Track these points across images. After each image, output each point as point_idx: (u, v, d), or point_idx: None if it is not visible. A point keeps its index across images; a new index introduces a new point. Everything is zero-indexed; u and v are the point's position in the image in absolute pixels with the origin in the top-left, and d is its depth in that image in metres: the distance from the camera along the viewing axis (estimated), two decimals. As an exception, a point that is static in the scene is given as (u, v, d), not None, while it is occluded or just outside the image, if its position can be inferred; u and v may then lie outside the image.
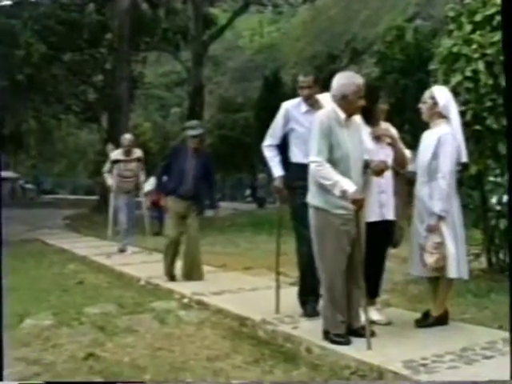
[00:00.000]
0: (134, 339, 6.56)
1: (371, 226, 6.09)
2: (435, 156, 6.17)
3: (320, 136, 5.76)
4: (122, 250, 13.69)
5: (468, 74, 8.32)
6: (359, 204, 5.67)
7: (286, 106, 7.10)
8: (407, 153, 6.55)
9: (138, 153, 13.62)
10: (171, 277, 9.78)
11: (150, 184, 14.45)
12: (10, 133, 37.67)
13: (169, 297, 8.68)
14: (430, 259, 6.11)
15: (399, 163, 6.43)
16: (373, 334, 5.78)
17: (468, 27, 8.55)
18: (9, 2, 28.89)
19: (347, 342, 5.75)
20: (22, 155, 60.51)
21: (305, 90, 6.91)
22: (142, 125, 57.02)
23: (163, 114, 67.02)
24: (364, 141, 6.06)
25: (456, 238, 6.20)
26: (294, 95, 7.29)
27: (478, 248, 8.95)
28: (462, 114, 7.46)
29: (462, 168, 6.62)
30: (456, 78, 8.43)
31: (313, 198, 5.91)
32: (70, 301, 8.67)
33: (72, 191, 69.93)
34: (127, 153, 13.48)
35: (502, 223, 8.49)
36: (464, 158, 6.33)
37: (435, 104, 6.36)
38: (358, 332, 5.90)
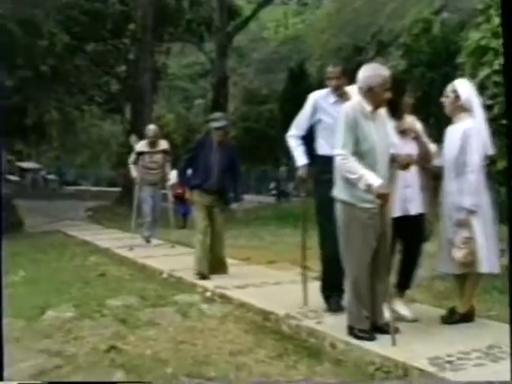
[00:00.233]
0: (156, 332, 6.59)
1: (395, 220, 6.08)
2: (462, 151, 6.12)
3: (345, 129, 5.75)
4: (147, 241, 13.74)
5: (496, 67, 8.25)
6: (384, 198, 5.65)
7: (315, 96, 7.10)
8: (432, 147, 6.52)
9: (163, 144, 13.60)
10: (203, 275, 9.33)
11: (173, 177, 14.35)
12: (33, 123, 37.81)
13: (191, 290, 8.69)
14: (459, 254, 6.07)
15: (424, 158, 6.41)
16: (397, 330, 5.75)
17: (497, 20, 8.47)
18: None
19: (372, 338, 5.74)
20: (44, 146, 60.85)
21: (333, 81, 6.92)
22: (165, 116, 56.98)
23: (187, 105, 66.94)
24: (390, 134, 6.04)
25: (486, 232, 6.15)
26: (319, 87, 7.29)
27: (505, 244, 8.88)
28: (490, 108, 7.41)
29: (490, 162, 6.57)
30: (484, 72, 8.37)
31: (339, 191, 5.90)
32: (91, 293, 8.71)
33: (95, 183, 70.23)
34: (152, 144, 13.44)
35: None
36: (490, 151, 6.29)
37: (457, 98, 6.32)
38: (382, 329, 5.89)
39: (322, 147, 6.94)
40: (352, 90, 6.53)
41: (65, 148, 66.00)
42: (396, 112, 6.28)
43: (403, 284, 6.57)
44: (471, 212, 6.07)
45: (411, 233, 6.39)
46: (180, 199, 14.90)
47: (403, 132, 6.35)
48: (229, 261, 9.96)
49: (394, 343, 5.54)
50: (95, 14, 30.62)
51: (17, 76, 24.65)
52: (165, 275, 9.94)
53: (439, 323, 6.32)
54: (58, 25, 26.35)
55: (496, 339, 5.64)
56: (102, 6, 31.86)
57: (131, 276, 10.17)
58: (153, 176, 13.52)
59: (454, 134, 6.28)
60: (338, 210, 5.93)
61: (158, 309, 7.62)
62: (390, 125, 6.12)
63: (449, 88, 6.43)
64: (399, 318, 6.21)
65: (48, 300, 8.06)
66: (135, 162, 13.66)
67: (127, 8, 32.95)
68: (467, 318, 6.31)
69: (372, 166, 5.68)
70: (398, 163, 5.95)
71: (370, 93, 5.78)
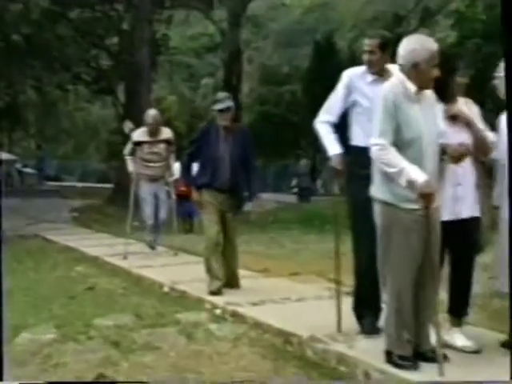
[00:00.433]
0: (155, 358, 6.61)
1: (443, 225, 5.99)
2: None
3: (384, 114, 5.72)
4: (151, 247, 13.79)
5: None
6: (429, 199, 5.56)
7: (349, 74, 7.08)
8: (490, 136, 6.42)
9: (166, 133, 13.59)
10: (216, 291, 9.25)
11: (176, 171, 14.24)
12: (5, 105, 37.79)
13: (198, 307, 8.73)
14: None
15: (480, 149, 6.34)
16: (445, 357, 5.74)
17: None
18: None
19: (414, 366, 5.72)
20: (19, 133, 60.86)
21: (366, 55, 6.89)
22: (166, 98, 57.11)
23: (192, 85, 66.96)
24: (438, 120, 6.00)
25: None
26: (351, 64, 7.26)
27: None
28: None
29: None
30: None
31: (377, 190, 5.88)
32: (76, 310, 8.76)
33: (81, 178, 70.26)
34: (152, 133, 13.39)
35: None
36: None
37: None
38: (426, 355, 5.86)
39: (358, 137, 6.90)
40: (393, 68, 6.51)
41: (44, 136, 66.07)
42: (446, 94, 6.24)
43: (458, 310, 6.43)
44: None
45: (463, 241, 6.28)
46: (184, 197, 14.90)
47: (454, 118, 6.30)
48: (242, 272, 9.98)
49: (441, 373, 5.50)
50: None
51: (-19, 47, 24.58)
52: (165, 289, 9.99)
53: (498, 349, 6.25)
54: (35, -15, 26.33)
55: None
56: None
57: (125, 290, 10.21)
58: (153, 170, 13.51)
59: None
60: (377, 212, 5.92)
61: (156, 329, 7.64)
62: (438, 109, 6.09)
63: (501, 67, 6.34)
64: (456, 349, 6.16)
65: (23, 319, 8.08)
66: (132, 153, 13.63)
67: (120, -33, 32.96)
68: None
69: (416, 159, 5.63)
70: (448, 155, 5.91)
71: (414, 70, 5.74)
